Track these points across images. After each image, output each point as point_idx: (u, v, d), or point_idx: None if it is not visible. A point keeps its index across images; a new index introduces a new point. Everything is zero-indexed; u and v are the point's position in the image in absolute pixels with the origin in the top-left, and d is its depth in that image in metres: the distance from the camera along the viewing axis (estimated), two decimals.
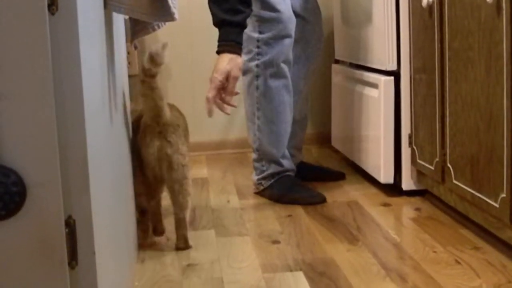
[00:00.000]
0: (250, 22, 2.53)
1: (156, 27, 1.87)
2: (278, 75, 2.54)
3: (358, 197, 2.57)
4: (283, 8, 2.51)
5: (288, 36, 2.52)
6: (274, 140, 2.58)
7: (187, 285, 1.78)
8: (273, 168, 2.59)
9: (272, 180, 2.59)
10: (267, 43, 2.52)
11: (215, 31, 3.50)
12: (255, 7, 2.49)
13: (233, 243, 2.10)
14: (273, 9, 2.50)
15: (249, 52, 2.55)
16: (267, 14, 2.50)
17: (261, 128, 2.58)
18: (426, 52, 2.27)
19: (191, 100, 3.52)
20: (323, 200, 2.52)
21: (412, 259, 1.90)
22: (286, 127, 2.61)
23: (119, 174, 1.55)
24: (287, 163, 2.63)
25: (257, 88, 2.55)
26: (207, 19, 3.50)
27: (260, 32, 2.52)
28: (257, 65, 2.54)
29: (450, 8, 2.06)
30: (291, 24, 2.53)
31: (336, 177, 2.88)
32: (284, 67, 2.55)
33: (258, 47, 2.53)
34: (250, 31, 2.53)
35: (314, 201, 2.50)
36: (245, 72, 2.58)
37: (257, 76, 2.54)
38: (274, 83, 2.54)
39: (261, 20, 2.50)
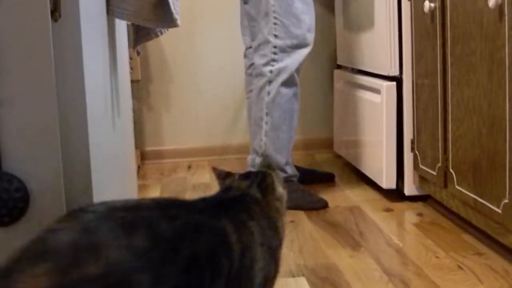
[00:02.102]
0: (266, 22, 2.52)
1: (158, 33, 1.87)
2: (290, 83, 2.54)
3: (360, 202, 2.57)
4: (306, 18, 2.51)
5: (307, 45, 2.54)
6: (280, 147, 2.58)
7: None
8: None
9: None
10: (285, 50, 2.52)
11: (217, 37, 3.52)
12: (277, 8, 2.49)
13: None
14: (296, 17, 2.50)
15: (264, 56, 2.55)
16: (288, 21, 2.50)
17: (268, 134, 2.57)
18: (428, 57, 2.27)
19: (193, 104, 3.53)
20: (325, 205, 2.52)
21: (415, 264, 1.89)
22: (293, 135, 2.62)
23: (122, 179, 1.55)
24: (290, 170, 2.63)
25: (268, 93, 2.55)
26: (209, 25, 3.52)
27: (275, 36, 2.51)
28: (270, 71, 2.54)
29: (452, 13, 2.06)
30: (311, 33, 2.54)
31: (326, 178, 2.89)
32: (296, 75, 2.56)
33: (274, 53, 2.52)
34: (266, 33, 2.53)
35: (317, 206, 2.50)
36: (258, 75, 2.58)
37: (270, 82, 2.54)
38: (285, 90, 2.54)
39: (280, 24, 2.50)
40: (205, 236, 0.96)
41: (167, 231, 0.89)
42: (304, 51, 2.54)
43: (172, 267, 0.87)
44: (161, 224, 0.89)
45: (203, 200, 1.11)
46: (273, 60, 2.53)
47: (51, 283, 0.75)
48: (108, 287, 0.78)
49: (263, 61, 2.55)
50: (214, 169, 1.35)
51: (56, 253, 0.78)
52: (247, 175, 1.30)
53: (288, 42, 2.52)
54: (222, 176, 1.33)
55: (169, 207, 0.95)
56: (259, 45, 2.58)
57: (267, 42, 2.53)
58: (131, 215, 0.86)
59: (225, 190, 1.25)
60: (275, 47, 2.52)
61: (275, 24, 2.51)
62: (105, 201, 0.89)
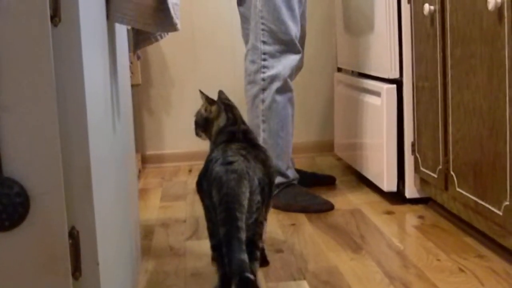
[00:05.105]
0: (255, 26, 2.52)
1: (158, 37, 1.87)
2: (284, 89, 2.54)
3: (361, 205, 2.57)
4: (292, 25, 2.51)
5: (296, 52, 2.54)
6: (279, 153, 2.57)
7: None
8: (278, 179, 2.56)
9: (277, 190, 2.57)
10: (274, 56, 2.51)
11: (217, 40, 3.52)
12: (265, 13, 2.48)
13: None
14: (284, 23, 2.50)
15: (253, 62, 2.55)
16: (275, 27, 2.49)
17: (266, 141, 2.56)
18: (428, 59, 2.27)
19: (194, 108, 3.52)
20: (331, 207, 2.51)
21: (416, 267, 1.89)
22: (290, 139, 2.61)
23: (123, 183, 1.55)
24: (291, 173, 2.63)
25: (263, 101, 2.54)
26: (209, 29, 3.52)
27: (264, 42, 2.51)
28: (263, 79, 2.53)
29: (451, 15, 2.06)
30: (297, 40, 2.54)
31: (327, 181, 2.89)
32: (289, 81, 2.55)
33: (264, 59, 2.52)
34: (254, 39, 2.53)
35: (324, 209, 2.50)
36: (250, 82, 2.57)
37: (263, 90, 2.54)
38: (279, 97, 2.54)
39: (267, 30, 2.50)
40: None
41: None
42: (295, 57, 2.54)
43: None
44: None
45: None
46: (264, 67, 2.52)
47: None
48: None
49: (254, 68, 2.55)
50: (202, 93, 2.01)
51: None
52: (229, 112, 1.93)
53: (277, 47, 2.51)
54: (210, 101, 1.96)
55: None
56: (248, 50, 2.59)
57: (255, 48, 2.53)
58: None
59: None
60: (264, 53, 2.52)
61: (263, 30, 2.51)
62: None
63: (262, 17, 2.50)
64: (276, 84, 2.52)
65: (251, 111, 2.59)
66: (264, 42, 2.51)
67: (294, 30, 2.53)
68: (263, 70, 2.52)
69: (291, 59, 2.54)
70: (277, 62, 2.52)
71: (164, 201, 2.80)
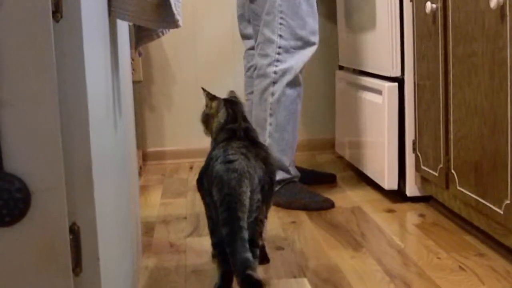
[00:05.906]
0: (271, 21, 2.52)
1: (160, 33, 1.87)
2: (295, 83, 2.54)
3: (362, 203, 2.57)
4: (310, 21, 2.51)
5: (311, 45, 2.54)
6: (284, 148, 2.57)
7: None
8: (280, 175, 2.55)
9: (278, 187, 2.57)
10: (288, 51, 2.51)
11: (219, 37, 3.52)
12: (284, 8, 2.48)
13: None
14: (302, 19, 2.50)
15: (266, 56, 2.54)
16: (294, 22, 2.49)
17: (272, 135, 2.56)
18: (430, 58, 2.27)
19: (195, 105, 3.52)
20: (332, 205, 2.51)
21: (416, 265, 1.89)
22: (296, 135, 2.61)
23: (124, 180, 1.55)
24: (293, 170, 2.63)
25: (272, 94, 2.54)
26: (211, 26, 3.52)
27: (280, 36, 2.51)
28: (275, 72, 2.53)
29: (453, 14, 2.06)
30: (314, 35, 2.54)
31: (327, 179, 2.89)
32: (300, 76, 2.55)
33: (278, 53, 2.52)
34: (270, 33, 2.52)
35: (324, 206, 2.50)
36: (260, 76, 2.57)
37: (274, 83, 2.53)
38: (290, 90, 2.53)
39: (285, 25, 2.50)
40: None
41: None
42: (309, 51, 2.54)
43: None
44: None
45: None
46: (277, 60, 2.52)
47: None
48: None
49: (266, 61, 2.54)
50: (204, 89, 1.92)
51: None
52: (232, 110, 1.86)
53: (292, 43, 2.51)
54: (211, 96, 1.90)
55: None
56: (259, 44, 2.58)
57: (270, 42, 2.52)
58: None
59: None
60: (279, 47, 2.51)
61: (280, 24, 2.51)
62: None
63: (281, 12, 2.50)
64: (287, 78, 2.52)
65: (259, 105, 2.58)
66: (281, 36, 2.51)
67: (312, 25, 2.53)
68: (275, 63, 2.52)
69: (305, 54, 2.54)
70: (291, 57, 2.52)
71: (164, 198, 2.80)
